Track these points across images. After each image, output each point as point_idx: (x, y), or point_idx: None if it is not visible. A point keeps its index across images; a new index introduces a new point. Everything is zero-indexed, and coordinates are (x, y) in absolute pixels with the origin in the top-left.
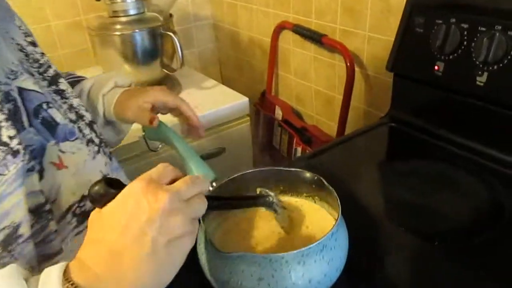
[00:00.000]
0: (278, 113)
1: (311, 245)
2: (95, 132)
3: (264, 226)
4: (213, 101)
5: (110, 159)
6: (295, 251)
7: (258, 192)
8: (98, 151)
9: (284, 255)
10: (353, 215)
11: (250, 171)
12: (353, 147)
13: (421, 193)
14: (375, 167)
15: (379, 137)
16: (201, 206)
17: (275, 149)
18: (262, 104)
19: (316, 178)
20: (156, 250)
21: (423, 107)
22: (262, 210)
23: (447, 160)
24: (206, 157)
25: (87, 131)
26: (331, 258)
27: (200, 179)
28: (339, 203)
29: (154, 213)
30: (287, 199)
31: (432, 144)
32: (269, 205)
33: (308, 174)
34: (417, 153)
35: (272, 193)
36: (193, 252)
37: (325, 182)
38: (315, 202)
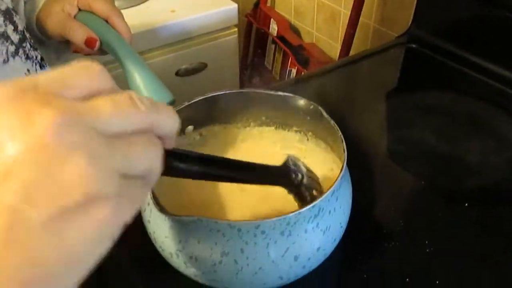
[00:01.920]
0: (273, 28)
1: (302, 210)
2: (13, 24)
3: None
4: (193, 4)
5: (41, 67)
6: (276, 218)
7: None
8: (16, 53)
9: (260, 222)
10: (356, 162)
11: (222, 92)
12: (360, 72)
13: (446, 137)
14: (386, 99)
15: (393, 61)
16: (146, 155)
17: (266, 69)
18: (255, 16)
19: (312, 107)
20: (18, 234)
21: (454, 25)
22: (234, 148)
23: (481, 95)
24: (182, 73)
25: None
26: (328, 226)
27: (159, 103)
28: (345, 146)
29: (18, 155)
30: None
31: (462, 73)
32: (293, 186)
33: (301, 101)
34: (441, 84)
35: (302, 165)
36: None
37: (325, 114)
38: (308, 139)
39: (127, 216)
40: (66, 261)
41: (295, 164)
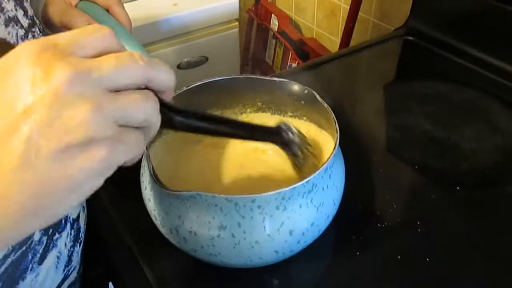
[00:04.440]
0: (274, 23)
1: (296, 185)
2: (23, 9)
3: (232, 155)
4: None
5: None
6: (272, 192)
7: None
8: (26, 36)
9: (256, 197)
10: (351, 146)
11: (219, 78)
12: (358, 63)
13: (440, 124)
14: (383, 88)
15: (391, 53)
16: (142, 107)
17: (267, 64)
18: (256, 12)
19: (306, 91)
20: (32, 159)
21: (451, 18)
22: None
23: (477, 85)
24: (184, 66)
25: (9, 5)
26: (321, 202)
27: (157, 60)
28: (337, 127)
29: (37, 98)
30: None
31: (458, 64)
32: (286, 144)
33: (296, 86)
34: (438, 74)
35: (294, 128)
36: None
37: (318, 97)
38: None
39: (120, 159)
40: (67, 186)
41: (287, 126)
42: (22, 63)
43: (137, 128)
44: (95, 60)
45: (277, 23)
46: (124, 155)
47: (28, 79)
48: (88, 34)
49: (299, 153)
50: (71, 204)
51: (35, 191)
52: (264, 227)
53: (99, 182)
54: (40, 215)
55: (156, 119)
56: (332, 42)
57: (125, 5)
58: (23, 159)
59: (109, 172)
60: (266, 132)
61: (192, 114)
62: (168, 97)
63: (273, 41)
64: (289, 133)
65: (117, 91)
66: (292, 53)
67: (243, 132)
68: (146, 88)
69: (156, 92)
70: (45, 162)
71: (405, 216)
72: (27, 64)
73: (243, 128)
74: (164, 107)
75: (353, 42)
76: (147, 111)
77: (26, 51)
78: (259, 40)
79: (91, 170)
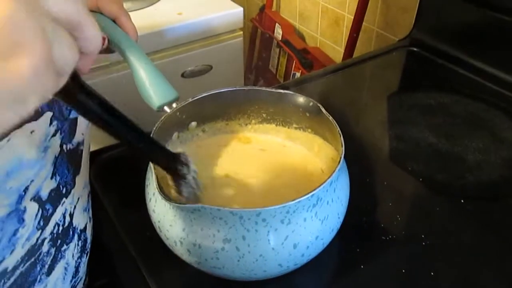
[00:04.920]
0: (278, 32)
1: (301, 198)
2: None
3: (240, 166)
4: (200, 7)
5: None
6: (276, 206)
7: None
8: None
9: (261, 210)
10: (356, 159)
11: (224, 89)
12: (362, 74)
13: (444, 136)
14: (387, 99)
15: (395, 64)
16: (68, 51)
17: (271, 73)
18: (260, 21)
19: (311, 104)
20: None
21: (456, 30)
22: (237, 141)
23: (481, 96)
24: (188, 75)
25: None
26: (326, 216)
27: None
28: (342, 140)
29: None
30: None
31: (462, 75)
32: (177, 175)
33: (301, 98)
34: (442, 86)
35: (192, 166)
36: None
37: (324, 110)
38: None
39: (58, 56)
40: (10, 90)
41: (186, 160)
42: None
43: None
44: None
45: (281, 32)
46: (61, 53)
47: None
48: None
49: (184, 193)
50: (17, 113)
51: None
52: (269, 240)
53: (18, 112)
54: None
55: (70, 69)
56: (335, 51)
57: (130, 13)
58: None
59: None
60: (164, 154)
61: (98, 99)
62: (85, 67)
63: (277, 50)
64: (185, 168)
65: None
66: (296, 62)
67: (140, 145)
68: None
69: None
70: None
71: (410, 229)
72: None
73: (143, 141)
74: (73, 78)
75: (357, 52)
76: (69, 55)
77: None
78: (263, 49)
79: (11, 86)
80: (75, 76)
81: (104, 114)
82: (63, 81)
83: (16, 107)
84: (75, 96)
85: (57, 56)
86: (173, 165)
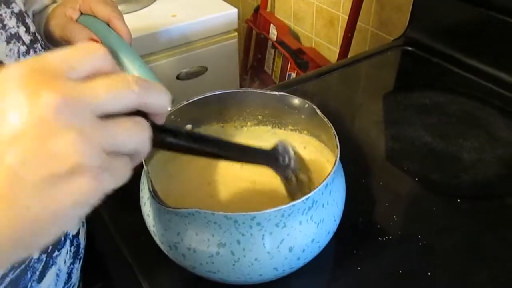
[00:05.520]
0: (273, 33)
1: (296, 202)
2: (25, 26)
3: (230, 171)
4: (194, 9)
5: None
6: (271, 210)
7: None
8: (27, 52)
9: (255, 214)
10: (352, 159)
11: (219, 92)
12: (357, 74)
13: (440, 136)
14: (382, 99)
15: (390, 63)
16: (133, 137)
17: (266, 74)
18: (255, 22)
19: (307, 105)
20: (15, 189)
21: (450, 29)
22: None
23: (476, 95)
24: (183, 77)
25: (11, 22)
26: (322, 219)
27: (152, 84)
28: (338, 142)
29: (22, 126)
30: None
31: (456, 74)
32: (280, 168)
33: (296, 100)
34: (437, 85)
35: (292, 151)
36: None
37: (319, 112)
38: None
39: (106, 188)
40: (51, 217)
41: (284, 148)
42: (9, 87)
43: (124, 155)
44: (85, 85)
45: (275, 33)
46: (110, 183)
47: (15, 104)
48: (80, 54)
49: (293, 179)
50: (54, 235)
51: (17, 222)
52: (264, 244)
53: (84, 212)
54: (20, 246)
55: (146, 147)
56: (330, 51)
57: (124, 16)
58: (5, 190)
59: (95, 201)
60: (260, 154)
61: (184, 135)
62: (161, 121)
63: (272, 51)
64: (286, 156)
65: (108, 115)
66: (291, 63)
67: (235, 154)
68: (139, 111)
69: (148, 116)
70: (28, 193)
71: (406, 229)
72: (14, 89)
73: (236, 150)
74: (156, 128)
75: (351, 52)
76: (138, 140)
77: (14, 74)
78: (258, 50)
79: (76, 200)
80: (156, 128)
81: (192, 144)
82: (143, 155)
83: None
84: (165, 142)
85: (126, 148)
86: (273, 160)
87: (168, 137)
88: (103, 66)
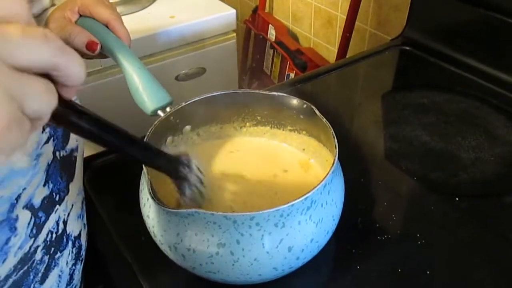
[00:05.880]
0: (271, 33)
1: (294, 202)
2: None
3: (230, 171)
4: (193, 10)
5: None
6: (270, 210)
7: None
8: None
9: (254, 214)
10: (351, 159)
11: (218, 93)
12: (355, 74)
13: (438, 135)
14: (381, 99)
15: (388, 63)
16: (44, 100)
17: (265, 74)
18: (254, 22)
19: (305, 106)
20: None
21: (448, 28)
22: (232, 144)
23: (474, 94)
24: (181, 78)
25: None
26: (320, 218)
27: (71, 49)
28: (336, 142)
29: None
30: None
31: (454, 73)
32: (178, 177)
33: (295, 101)
34: (435, 84)
35: (195, 165)
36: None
37: (318, 112)
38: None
39: (12, 144)
40: None
41: (188, 161)
42: None
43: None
44: None
45: (274, 33)
46: (7, 144)
47: None
48: None
49: (187, 192)
50: None
51: None
52: (263, 244)
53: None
54: None
55: (47, 116)
56: (329, 51)
57: (123, 17)
58: None
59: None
60: (164, 159)
61: (89, 118)
62: (71, 95)
63: (271, 51)
64: (186, 168)
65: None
66: (289, 63)
67: (137, 153)
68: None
69: (58, 85)
70: None
71: (405, 228)
72: None
73: (139, 149)
74: (61, 102)
75: (350, 52)
76: (44, 105)
77: None
78: (257, 50)
79: None
80: (62, 102)
81: (97, 130)
82: (42, 123)
83: None
84: (66, 119)
85: (30, 109)
86: (174, 168)
87: (72, 115)
88: (19, 12)
